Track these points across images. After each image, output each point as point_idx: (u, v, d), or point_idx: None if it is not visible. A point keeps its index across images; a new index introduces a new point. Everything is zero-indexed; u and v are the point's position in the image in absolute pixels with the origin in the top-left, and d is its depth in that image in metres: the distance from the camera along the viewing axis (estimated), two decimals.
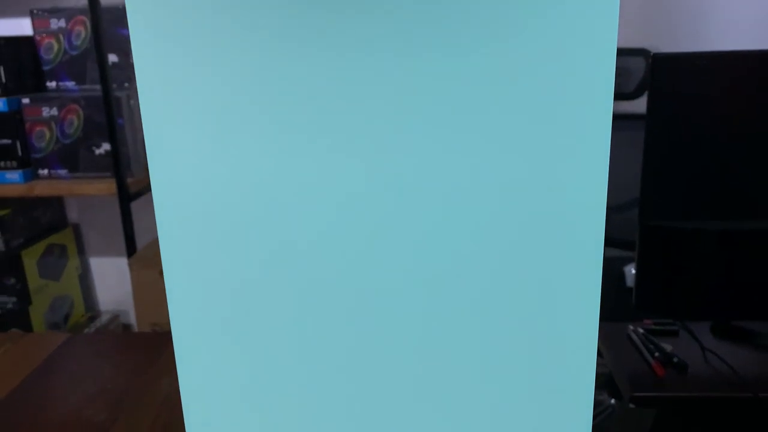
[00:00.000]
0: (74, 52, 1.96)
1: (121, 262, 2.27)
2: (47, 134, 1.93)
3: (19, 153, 1.92)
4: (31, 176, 1.96)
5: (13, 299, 2.01)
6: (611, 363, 1.14)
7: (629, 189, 2.12)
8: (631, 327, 1.22)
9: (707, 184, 1.08)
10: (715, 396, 1.03)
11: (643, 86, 2.00)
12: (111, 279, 2.29)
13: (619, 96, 2.05)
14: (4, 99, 1.87)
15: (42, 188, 1.90)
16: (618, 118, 1.61)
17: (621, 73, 2.05)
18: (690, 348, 1.15)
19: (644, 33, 1.93)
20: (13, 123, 1.89)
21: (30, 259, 1.98)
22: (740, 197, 1.08)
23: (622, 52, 2.00)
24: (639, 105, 2.05)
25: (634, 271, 1.36)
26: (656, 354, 1.11)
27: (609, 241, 1.48)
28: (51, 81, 2.00)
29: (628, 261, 1.50)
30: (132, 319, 2.25)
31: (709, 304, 1.12)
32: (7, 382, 0.81)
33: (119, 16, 1.93)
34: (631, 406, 1.03)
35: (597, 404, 1.52)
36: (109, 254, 2.28)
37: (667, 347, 1.14)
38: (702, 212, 1.09)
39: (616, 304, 1.35)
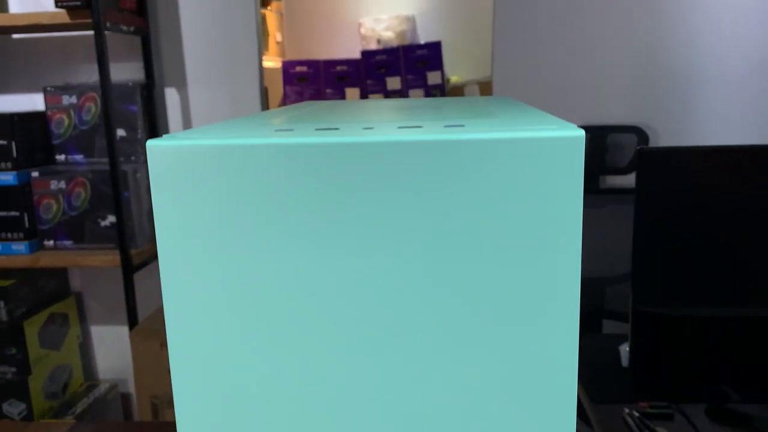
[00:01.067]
0: (84, 127, 2.03)
1: (122, 331, 2.29)
2: (54, 206, 1.97)
3: (26, 225, 1.96)
4: (37, 247, 1.99)
5: (13, 369, 2.02)
6: None
7: (624, 261, 2.16)
8: (627, 410, 1.23)
9: (697, 272, 1.11)
10: None
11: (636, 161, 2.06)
12: (111, 347, 2.30)
13: (613, 170, 2.11)
14: (14, 173, 1.92)
15: (47, 259, 1.94)
16: (612, 192, 1.66)
17: (614, 149, 2.11)
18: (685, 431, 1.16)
19: (636, 110, 2.00)
20: (22, 195, 1.94)
21: (32, 329, 2.00)
22: (730, 285, 1.11)
23: (615, 129, 2.07)
24: (632, 179, 2.10)
25: (628, 349, 1.38)
26: None
27: (606, 314, 1.52)
28: (60, 154, 2.06)
29: (623, 339, 1.52)
30: (131, 388, 2.25)
31: (702, 388, 1.14)
32: None
33: (128, 92, 2.00)
34: None
35: None
36: (111, 323, 2.30)
37: (663, 431, 1.16)
38: (692, 299, 1.12)
39: (612, 384, 1.36)
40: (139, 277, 2.00)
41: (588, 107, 1.99)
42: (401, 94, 3.25)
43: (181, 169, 0.35)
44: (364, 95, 3.65)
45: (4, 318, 1.99)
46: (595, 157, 2.06)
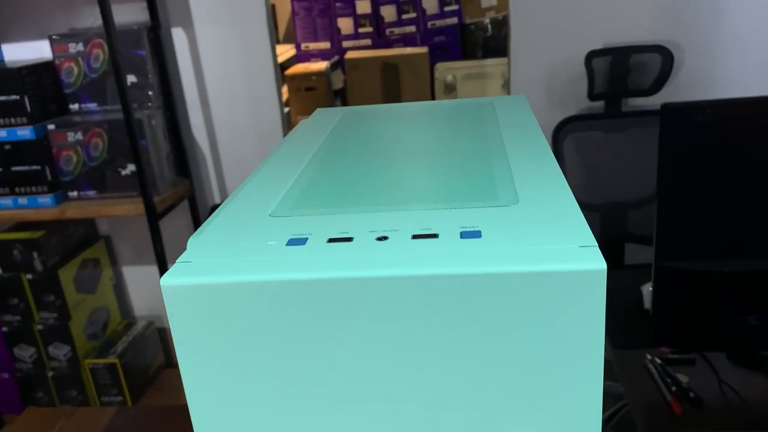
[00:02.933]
0: (94, 75, 2.00)
1: (153, 270, 2.35)
2: (74, 158, 1.98)
3: (49, 177, 1.98)
4: (62, 199, 2.02)
5: (54, 315, 2.11)
6: (628, 395, 1.19)
7: (646, 185, 2.14)
8: (648, 356, 1.26)
9: (720, 226, 1.10)
10: None
11: (659, 81, 1.99)
12: (144, 286, 2.38)
13: (636, 92, 2.04)
14: (30, 127, 1.92)
15: (73, 211, 1.97)
16: (634, 115, 1.63)
17: (638, 70, 2.04)
18: (707, 379, 1.19)
19: (661, 29, 1.91)
20: (41, 149, 1.95)
21: (66, 276, 2.07)
22: (753, 238, 1.10)
23: (638, 49, 1.98)
24: (656, 100, 2.04)
25: (651, 289, 1.40)
26: (673, 388, 1.16)
27: (629, 238, 1.53)
28: (74, 103, 2.05)
29: (645, 274, 1.53)
30: (166, 323, 2.35)
31: (724, 340, 1.15)
32: None
33: (135, 36, 1.95)
34: None
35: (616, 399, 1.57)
36: (141, 263, 2.36)
37: (684, 379, 1.19)
38: (716, 253, 1.12)
39: (634, 328, 1.39)
40: (164, 223, 2.03)
41: (611, 27, 1.90)
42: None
43: (194, 304, 0.35)
44: (375, 6, 3.53)
45: (39, 268, 2.06)
46: (617, 80, 1.99)
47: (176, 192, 2.06)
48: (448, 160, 0.51)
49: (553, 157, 0.48)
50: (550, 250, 0.34)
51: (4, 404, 2.22)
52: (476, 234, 0.37)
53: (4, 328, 2.13)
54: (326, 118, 0.67)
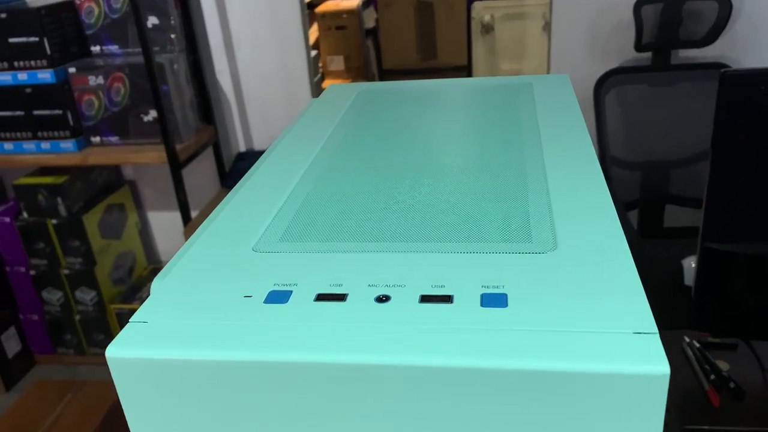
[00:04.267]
0: (115, 16, 1.92)
1: (179, 216, 2.32)
2: (96, 103, 1.94)
3: (71, 122, 1.94)
4: (84, 144, 1.99)
5: (79, 260, 2.11)
6: None
7: (691, 143, 2.00)
8: (687, 339, 1.18)
9: None
10: None
11: (714, 32, 1.83)
12: (169, 231, 2.36)
13: (688, 43, 1.89)
14: (51, 71, 1.87)
15: (95, 157, 1.93)
16: (683, 68, 1.50)
17: (691, 19, 1.88)
18: (749, 367, 1.11)
19: None
20: (62, 93, 1.90)
21: (91, 221, 2.05)
22: None
23: None
24: (708, 52, 1.89)
25: (693, 265, 1.30)
26: (712, 377, 1.08)
27: (669, 199, 1.43)
28: (95, 45, 1.98)
29: (687, 249, 1.43)
30: None
31: None
32: None
33: None
34: None
35: None
36: (166, 209, 2.33)
37: (724, 366, 1.11)
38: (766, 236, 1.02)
39: (673, 305, 1.30)
40: (189, 170, 1.98)
41: None
42: None
43: (143, 379, 0.29)
44: None
45: (64, 213, 2.05)
46: (667, 30, 1.84)
47: (200, 139, 2.00)
48: (474, 173, 0.43)
49: (603, 178, 0.39)
50: (595, 336, 0.27)
51: (35, 345, 2.26)
52: (500, 300, 0.29)
53: (32, 272, 2.14)
54: (338, 100, 0.59)
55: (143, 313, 0.31)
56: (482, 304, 0.29)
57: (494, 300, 0.30)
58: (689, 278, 1.35)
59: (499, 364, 0.26)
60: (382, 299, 0.30)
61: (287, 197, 0.41)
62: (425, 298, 0.30)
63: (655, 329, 0.26)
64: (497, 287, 0.30)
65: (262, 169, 0.46)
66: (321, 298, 0.31)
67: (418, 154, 0.46)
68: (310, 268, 0.33)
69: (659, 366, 0.25)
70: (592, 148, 0.44)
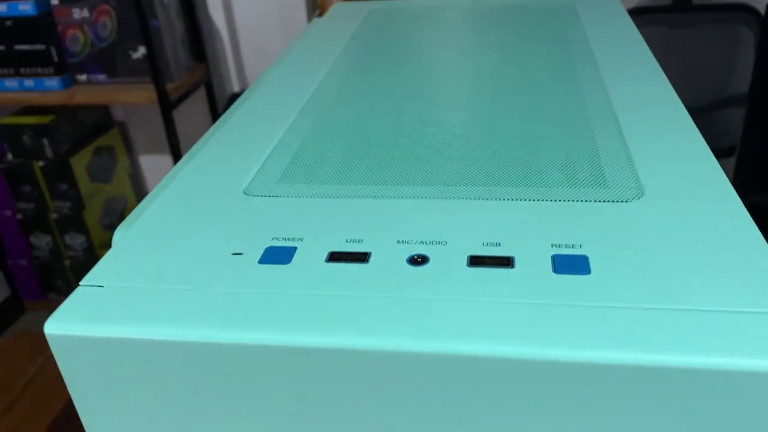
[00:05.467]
0: None
1: (171, 160, 2.24)
2: (81, 38, 1.83)
3: (55, 58, 1.84)
4: (70, 82, 1.89)
5: (68, 204, 2.04)
6: None
7: (714, 90, 1.91)
8: None
9: None
10: None
11: None
12: (162, 175, 2.27)
13: None
14: (31, 2, 1.76)
15: (82, 96, 1.84)
16: (706, 9, 1.39)
17: None
18: None
19: None
20: (45, 27, 1.80)
21: (79, 164, 1.97)
22: None
23: None
24: None
25: None
26: None
27: None
28: None
29: None
30: None
31: None
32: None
33: None
34: None
35: None
36: (159, 152, 2.25)
37: None
38: None
39: None
40: (180, 110, 1.89)
41: None
42: None
43: (89, 359, 0.21)
44: None
45: (50, 155, 1.96)
46: None
47: (192, 78, 1.90)
48: (518, 103, 0.34)
49: (682, 106, 0.31)
50: (713, 316, 0.19)
51: (24, 291, 2.21)
52: (580, 264, 0.21)
53: (19, 216, 2.07)
54: (345, 20, 0.50)
55: (99, 273, 0.23)
56: (555, 270, 0.21)
57: (571, 264, 0.21)
58: None
59: (594, 355, 0.18)
60: (418, 261, 0.22)
61: (287, 129, 0.33)
62: (476, 260, 0.22)
63: None
64: (573, 247, 0.22)
65: (256, 97, 0.37)
66: (335, 257, 0.23)
67: (446, 82, 0.37)
68: (319, 218, 0.25)
69: None
70: (663, 74, 0.36)
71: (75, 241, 2.10)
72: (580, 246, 0.22)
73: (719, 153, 0.94)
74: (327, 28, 0.48)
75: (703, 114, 1.86)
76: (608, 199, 0.25)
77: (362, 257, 0.23)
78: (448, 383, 0.19)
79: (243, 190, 0.28)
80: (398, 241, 0.23)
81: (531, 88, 0.36)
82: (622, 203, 0.25)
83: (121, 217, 2.16)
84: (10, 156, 2.01)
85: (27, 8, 1.78)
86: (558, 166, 0.28)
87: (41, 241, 2.12)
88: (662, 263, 0.21)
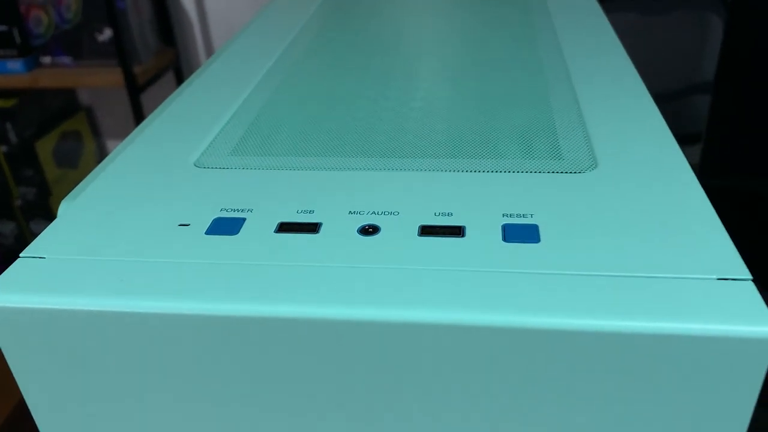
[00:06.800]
0: None
1: None
2: (45, 19, 1.79)
3: (18, 40, 1.80)
4: (34, 65, 1.85)
5: (33, 190, 2.00)
6: None
7: (683, 75, 1.93)
8: None
9: None
10: None
11: None
12: None
13: None
14: None
15: (46, 79, 1.80)
16: None
17: None
18: None
19: None
20: (6, 6, 1.75)
21: (45, 149, 1.93)
22: None
23: None
24: None
25: None
26: None
27: None
28: None
29: None
30: None
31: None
32: None
33: None
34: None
35: None
36: (126, 136, 2.21)
37: None
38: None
39: None
40: (148, 95, 1.86)
41: None
42: None
43: (28, 332, 0.20)
44: None
45: (14, 140, 1.91)
46: None
47: (160, 61, 1.87)
48: (478, 76, 0.34)
49: (641, 82, 0.31)
50: (662, 283, 0.19)
51: None
52: (530, 232, 0.21)
53: None
54: None
55: (41, 244, 0.22)
56: (505, 239, 0.21)
57: (521, 233, 0.21)
58: None
59: (539, 321, 0.18)
60: (369, 230, 0.22)
61: (243, 101, 0.32)
62: (427, 230, 0.22)
63: (748, 274, 0.19)
64: (524, 216, 0.22)
65: (213, 69, 0.36)
66: (285, 228, 0.22)
67: (408, 56, 0.37)
68: (270, 190, 0.25)
69: (760, 324, 0.17)
70: (624, 52, 0.36)
71: (41, 227, 2.06)
72: (531, 215, 0.22)
73: (689, 138, 0.95)
74: (286, 3, 0.48)
75: (673, 100, 1.88)
76: (562, 170, 0.25)
77: (313, 227, 0.22)
78: (394, 351, 0.19)
79: (194, 162, 0.27)
80: (350, 212, 0.23)
81: (493, 65, 0.36)
82: (575, 174, 0.25)
83: None
84: None
85: None
86: (514, 139, 0.27)
87: (6, 228, 2.07)
88: (610, 232, 0.21)
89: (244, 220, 0.23)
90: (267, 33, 0.41)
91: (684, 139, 1.02)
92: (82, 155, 2.12)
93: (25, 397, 0.22)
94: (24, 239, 2.05)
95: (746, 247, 0.86)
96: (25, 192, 1.99)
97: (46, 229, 0.24)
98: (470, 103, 0.31)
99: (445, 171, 0.25)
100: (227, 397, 0.21)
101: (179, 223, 0.23)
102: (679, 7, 1.84)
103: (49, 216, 2.00)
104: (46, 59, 1.85)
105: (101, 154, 2.20)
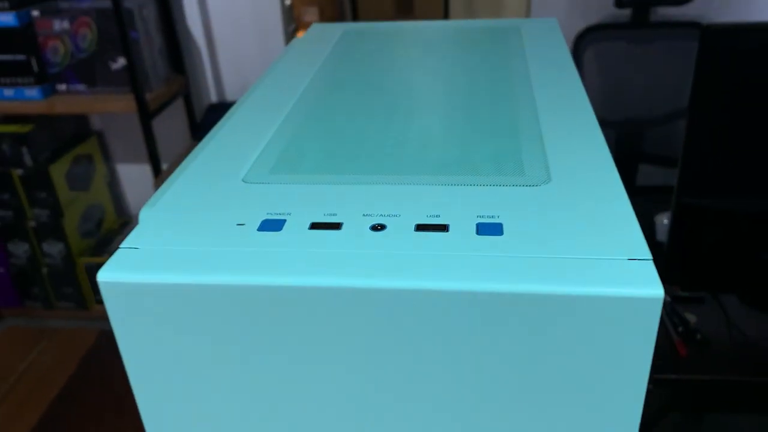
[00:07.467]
0: None
1: (149, 168, 2.28)
2: (61, 48, 1.87)
3: (35, 69, 1.88)
4: (50, 92, 1.93)
5: (46, 212, 2.07)
6: None
7: (666, 101, 2.02)
8: None
9: (753, 164, 1.01)
10: (734, 379, 1.04)
11: None
12: (139, 184, 2.31)
13: (667, 1, 1.89)
14: (13, 13, 1.80)
15: (62, 105, 1.88)
16: (662, 26, 1.51)
17: None
18: (715, 320, 1.14)
19: None
20: (26, 38, 1.83)
21: (58, 172, 2.00)
22: None
23: None
24: (687, 10, 1.89)
25: (666, 221, 1.33)
26: (680, 329, 1.11)
27: (643, 157, 1.45)
28: None
29: (660, 202, 1.45)
30: None
31: (741, 281, 1.10)
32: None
33: None
34: (650, 386, 1.05)
35: None
36: (136, 161, 2.29)
37: (692, 319, 1.14)
38: (743, 192, 1.04)
39: None
40: (159, 120, 1.94)
41: None
42: None
43: (136, 304, 0.28)
44: None
45: (30, 163, 1.99)
46: None
47: (170, 89, 1.96)
48: (465, 110, 0.42)
49: (593, 115, 0.39)
50: (589, 263, 0.27)
51: (1, 298, 2.22)
52: (496, 228, 0.29)
53: None
54: (323, 39, 0.58)
55: (133, 240, 0.30)
56: (478, 233, 0.29)
57: (490, 229, 0.29)
58: (661, 234, 1.38)
59: (496, 287, 0.26)
60: (378, 228, 0.30)
61: (275, 131, 0.40)
62: (421, 227, 0.30)
63: (650, 255, 0.27)
64: (492, 217, 0.30)
65: (249, 103, 0.45)
66: (316, 226, 0.30)
67: (407, 92, 0.45)
68: (303, 199, 0.33)
69: (654, 289, 0.25)
70: (583, 88, 0.44)
71: (53, 248, 2.13)
72: (498, 216, 0.30)
73: (674, 161, 1.04)
74: (307, 46, 0.56)
75: (657, 125, 1.97)
76: (523, 184, 0.33)
77: (336, 226, 0.30)
78: (397, 310, 0.27)
79: (242, 178, 0.35)
80: (363, 215, 0.31)
81: (475, 101, 0.44)
82: (533, 187, 0.33)
83: (99, 224, 2.19)
84: None
85: (9, 19, 1.81)
86: (489, 160, 0.35)
87: (19, 249, 2.14)
88: (555, 228, 0.29)
89: (285, 220, 0.31)
90: (289, 74, 0.49)
91: (672, 161, 1.10)
92: (93, 178, 2.20)
93: (125, 364, 0.30)
94: (36, 259, 2.11)
95: (719, 259, 0.95)
96: (39, 214, 2.06)
97: (134, 230, 0.31)
98: (456, 132, 0.39)
99: (435, 185, 0.33)
100: (277, 346, 0.29)
101: (237, 223, 0.31)
102: (666, 38, 1.94)
103: (61, 237, 2.08)
104: (62, 86, 1.92)
105: (111, 177, 2.28)
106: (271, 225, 0.30)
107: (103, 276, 0.28)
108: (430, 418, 0.29)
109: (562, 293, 0.26)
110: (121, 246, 0.30)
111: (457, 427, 0.29)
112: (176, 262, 0.28)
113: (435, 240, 0.29)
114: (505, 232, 0.29)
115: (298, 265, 0.28)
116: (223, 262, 0.28)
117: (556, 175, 0.34)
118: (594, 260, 0.27)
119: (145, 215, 0.32)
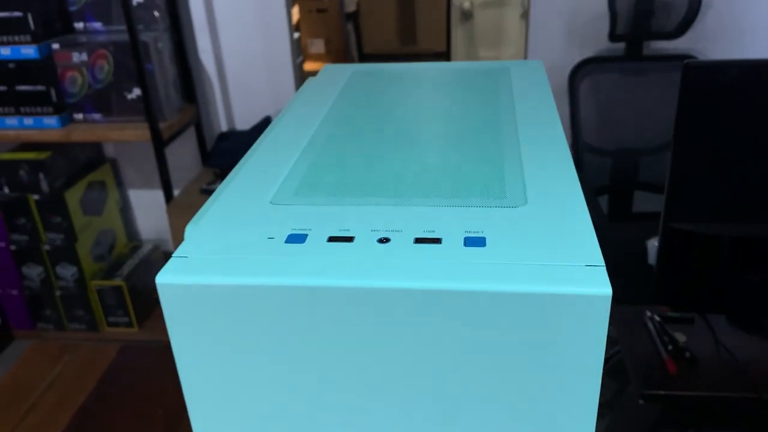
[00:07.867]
0: None
1: (159, 195, 2.35)
2: (79, 80, 1.95)
3: (54, 99, 1.96)
4: (68, 120, 2.00)
5: (61, 236, 2.13)
6: (626, 352, 1.20)
7: (660, 132, 2.09)
8: (648, 313, 1.26)
9: (735, 190, 1.08)
10: (721, 396, 1.09)
11: (684, 24, 1.92)
12: (150, 210, 2.38)
13: (659, 35, 1.97)
14: (35, 46, 1.88)
15: (79, 134, 1.95)
16: (655, 59, 1.58)
17: (664, 11, 1.96)
18: (704, 339, 1.20)
19: None
20: (46, 69, 1.91)
21: (73, 198, 2.07)
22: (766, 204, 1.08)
23: None
24: (679, 44, 1.97)
25: (656, 245, 1.39)
26: (669, 347, 1.17)
27: (638, 185, 1.51)
28: (78, 22, 1.99)
29: (652, 227, 1.52)
30: (172, 247, 2.37)
31: (728, 303, 1.15)
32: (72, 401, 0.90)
33: None
34: (641, 402, 1.10)
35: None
36: (148, 187, 2.35)
37: (681, 338, 1.19)
38: (728, 217, 1.10)
39: (636, 282, 1.39)
40: (171, 149, 2.01)
41: None
42: None
43: (189, 303, 0.35)
44: None
45: (46, 189, 2.06)
46: (640, 21, 1.92)
47: (183, 118, 2.04)
48: (458, 142, 0.49)
49: (567, 147, 0.46)
50: (554, 268, 0.33)
51: (14, 320, 2.27)
52: (480, 241, 0.36)
53: (12, 247, 2.15)
54: (334, 80, 0.65)
55: (183, 251, 0.37)
56: (465, 245, 0.36)
57: (475, 242, 0.36)
58: (652, 257, 1.44)
59: (478, 287, 0.32)
60: (383, 241, 0.37)
61: (296, 160, 0.47)
62: (419, 240, 0.36)
63: (603, 263, 0.33)
64: (477, 232, 0.37)
65: (272, 136, 0.52)
66: (332, 239, 0.37)
67: (409, 126, 0.52)
68: (321, 217, 0.39)
69: (603, 289, 0.32)
70: (560, 124, 0.51)
71: (66, 272, 2.19)
72: (482, 232, 0.37)
73: (660, 189, 1.10)
74: (321, 85, 0.64)
75: (652, 153, 2.04)
76: (504, 206, 0.40)
77: (349, 239, 0.37)
78: (399, 307, 0.33)
79: (270, 200, 0.42)
80: (372, 230, 0.38)
81: (467, 135, 0.51)
82: (512, 208, 0.39)
83: (111, 248, 2.26)
84: (6, 189, 2.10)
85: (30, 52, 1.90)
86: (477, 186, 0.42)
87: (33, 272, 2.20)
88: (528, 241, 0.36)
89: (307, 235, 0.37)
90: (307, 109, 0.56)
91: (662, 188, 1.16)
92: (106, 203, 2.27)
93: (176, 358, 0.36)
94: (50, 282, 2.18)
95: (706, 281, 1.00)
96: (54, 238, 2.13)
97: (182, 244, 0.38)
98: (449, 161, 0.46)
99: (430, 206, 0.40)
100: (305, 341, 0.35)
101: (267, 237, 0.37)
102: (658, 70, 2.01)
103: (75, 260, 2.14)
104: (79, 116, 2.00)
105: (124, 202, 2.35)
106: (296, 238, 0.37)
107: (162, 279, 0.35)
108: (420, 404, 0.35)
109: (532, 291, 0.32)
110: (173, 255, 0.37)
111: (448, 409, 0.35)
112: (220, 267, 0.35)
113: (430, 251, 0.35)
114: (487, 244, 0.36)
115: (319, 269, 0.34)
116: (259, 267, 0.34)
117: (532, 198, 0.40)
118: (558, 266, 0.33)
119: (190, 231, 0.39)
